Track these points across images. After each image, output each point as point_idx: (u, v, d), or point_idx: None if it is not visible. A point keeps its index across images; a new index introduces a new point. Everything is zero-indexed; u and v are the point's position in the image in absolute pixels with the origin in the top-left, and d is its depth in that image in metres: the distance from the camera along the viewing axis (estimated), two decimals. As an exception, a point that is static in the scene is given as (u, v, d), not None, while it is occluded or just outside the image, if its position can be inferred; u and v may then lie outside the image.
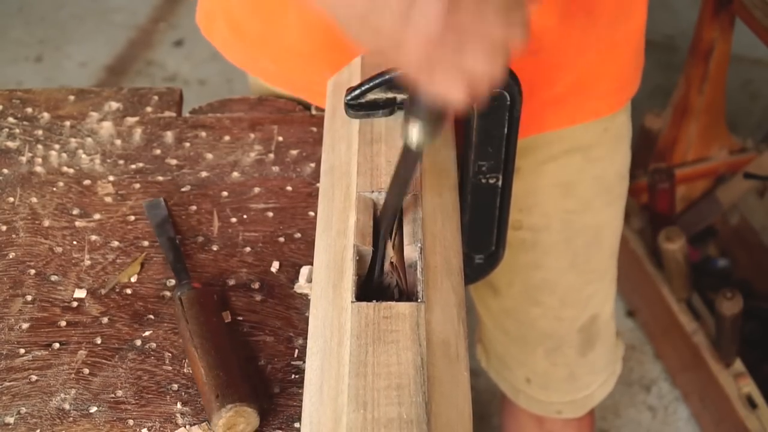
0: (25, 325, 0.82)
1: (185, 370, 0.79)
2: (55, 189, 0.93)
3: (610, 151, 1.06)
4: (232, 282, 0.85)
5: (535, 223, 1.07)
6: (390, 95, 0.80)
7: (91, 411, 0.77)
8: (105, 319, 0.83)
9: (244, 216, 0.91)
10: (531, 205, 1.06)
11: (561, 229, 1.08)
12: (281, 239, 0.88)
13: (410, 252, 0.72)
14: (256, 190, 0.93)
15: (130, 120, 1.00)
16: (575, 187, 1.05)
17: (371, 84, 0.78)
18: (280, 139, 0.97)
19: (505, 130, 0.85)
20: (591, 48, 0.95)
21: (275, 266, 0.86)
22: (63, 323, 0.82)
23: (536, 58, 0.91)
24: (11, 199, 0.93)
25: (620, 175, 1.10)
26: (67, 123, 1.00)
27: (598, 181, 1.07)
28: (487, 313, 1.23)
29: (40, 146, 0.98)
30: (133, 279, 0.86)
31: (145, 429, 0.76)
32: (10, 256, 0.88)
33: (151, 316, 0.83)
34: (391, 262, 0.73)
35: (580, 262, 1.11)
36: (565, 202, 1.06)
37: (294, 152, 0.96)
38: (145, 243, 0.89)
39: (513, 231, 1.04)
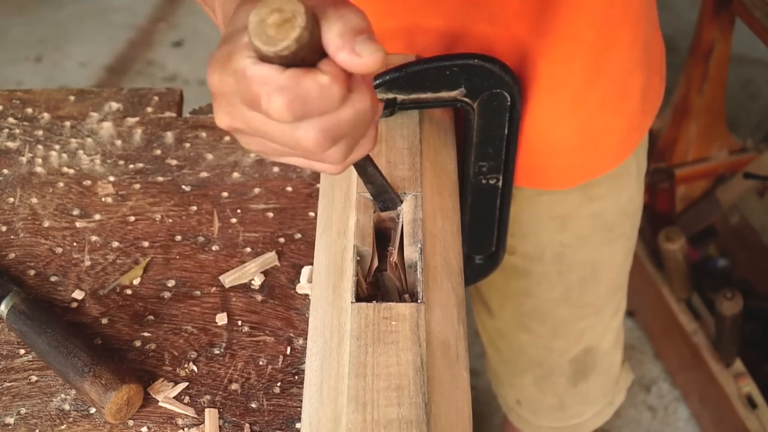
0: (25, 326, 0.82)
1: (183, 372, 0.79)
2: (55, 189, 0.93)
3: (612, 190, 1.01)
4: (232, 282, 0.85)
5: (527, 251, 1.05)
6: (390, 95, 0.80)
7: (91, 411, 0.77)
8: (105, 320, 0.83)
9: (245, 216, 0.91)
10: (525, 233, 1.03)
11: (553, 261, 1.05)
12: (281, 240, 0.88)
13: (410, 252, 0.72)
14: (257, 190, 0.93)
15: (131, 120, 1.00)
16: (571, 221, 1.02)
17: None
18: (280, 139, 0.97)
19: (505, 130, 0.85)
20: (593, 102, 0.92)
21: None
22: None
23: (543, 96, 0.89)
24: (11, 200, 0.93)
25: (624, 213, 1.05)
26: (68, 123, 1.00)
27: (596, 218, 1.02)
28: (482, 331, 1.22)
29: (40, 146, 0.98)
30: (136, 282, 0.86)
31: (145, 429, 0.76)
32: (11, 257, 0.88)
33: (151, 317, 0.83)
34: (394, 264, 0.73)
35: (574, 296, 1.09)
36: (560, 236, 1.03)
37: (294, 153, 0.96)
38: (146, 244, 0.89)
39: (507, 255, 1.02)
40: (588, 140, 0.94)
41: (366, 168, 0.70)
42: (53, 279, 0.86)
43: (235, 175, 0.94)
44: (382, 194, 0.73)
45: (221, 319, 0.83)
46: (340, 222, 0.76)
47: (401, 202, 0.74)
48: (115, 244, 0.89)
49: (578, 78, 0.89)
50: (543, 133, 0.92)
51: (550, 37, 0.85)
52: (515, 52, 0.85)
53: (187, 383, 0.78)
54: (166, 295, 0.85)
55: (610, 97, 0.92)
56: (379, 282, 0.73)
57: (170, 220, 0.91)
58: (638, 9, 0.90)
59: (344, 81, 0.54)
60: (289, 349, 0.81)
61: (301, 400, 0.76)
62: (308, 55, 0.54)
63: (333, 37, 0.53)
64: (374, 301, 0.68)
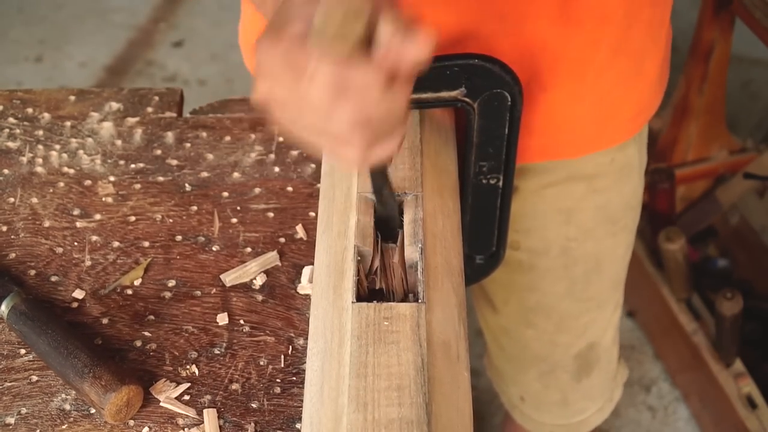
0: (25, 326, 0.82)
1: (184, 372, 0.79)
2: (55, 189, 0.93)
3: (616, 181, 1.02)
4: (233, 282, 0.85)
5: (533, 245, 1.05)
6: (390, 96, 0.80)
7: (91, 411, 0.77)
8: (105, 320, 0.83)
9: (245, 216, 0.91)
10: (529, 228, 1.03)
11: (559, 255, 1.05)
12: (282, 240, 0.88)
13: (411, 252, 0.72)
14: (257, 190, 0.93)
15: (131, 120, 1.00)
16: (576, 214, 1.02)
17: (372, 84, 0.78)
18: (281, 139, 0.97)
19: (506, 130, 0.85)
20: (613, 76, 0.92)
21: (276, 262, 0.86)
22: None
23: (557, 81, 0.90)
24: (12, 200, 0.93)
25: (628, 206, 1.06)
26: (68, 123, 1.00)
27: (601, 211, 1.03)
28: (486, 327, 1.22)
29: (40, 146, 0.98)
30: (137, 282, 0.86)
31: (146, 429, 0.76)
32: (11, 257, 0.88)
33: (152, 317, 0.83)
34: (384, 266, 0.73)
35: (578, 290, 1.09)
36: (565, 229, 1.03)
37: (294, 153, 0.96)
38: (146, 244, 0.89)
39: (511, 251, 1.02)
40: (603, 112, 0.95)
41: (382, 189, 0.71)
42: (54, 279, 0.86)
43: (236, 175, 0.94)
44: (387, 221, 0.74)
45: (222, 319, 0.83)
46: (340, 222, 0.76)
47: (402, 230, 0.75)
48: (116, 244, 0.89)
49: (603, 56, 0.89)
50: (563, 112, 0.92)
51: (578, 23, 0.85)
52: (528, 45, 0.86)
53: (189, 384, 0.78)
54: (167, 295, 0.85)
55: (627, 74, 0.93)
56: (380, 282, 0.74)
57: (171, 220, 0.91)
58: None
59: (388, 72, 0.57)
60: (289, 349, 0.81)
61: (301, 400, 0.76)
62: (361, 48, 0.57)
63: (387, 25, 0.56)
64: (375, 301, 0.68)
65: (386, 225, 0.75)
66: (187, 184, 0.94)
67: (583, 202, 1.02)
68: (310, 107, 0.58)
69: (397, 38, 0.56)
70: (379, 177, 0.70)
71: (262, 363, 0.80)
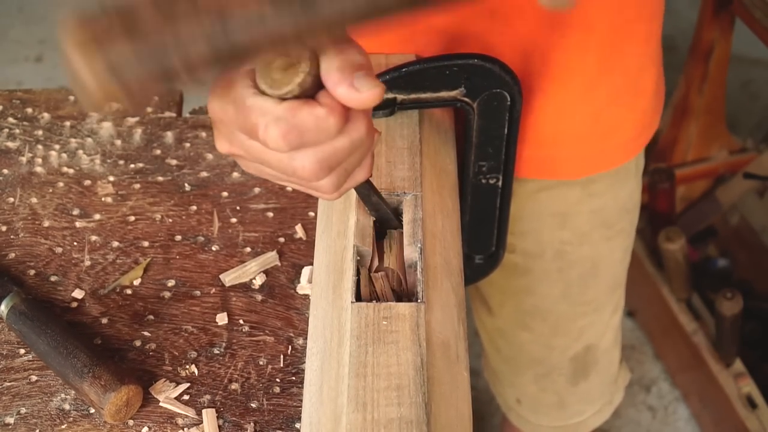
0: (25, 326, 0.82)
1: (184, 372, 0.79)
2: (55, 189, 0.93)
3: (611, 186, 1.02)
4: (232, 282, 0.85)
5: (528, 249, 1.05)
6: (390, 95, 0.80)
7: (91, 411, 0.77)
8: (105, 320, 0.83)
9: (245, 216, 0.91)
10: (525, 231, 1.03)
11: (554, 258, 1.05)
12: (281, 239, 0.88)
13: (410, 252, 0.72)
14: (256, 190, 0.93)
15: (131, 120, 1.00)
16: (571, 218, 1.02)
17: (371, 84, 0.78)
18: (280, 139, 0.97)
19: (505, 130, 0.85)
20: (606, 93, 0.92)
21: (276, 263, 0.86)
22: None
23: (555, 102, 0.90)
24: (11, 200, 0.93)
25: (624, 209, 1.06)
26: (67, 123, 1.00)
27: (597, 215, 1.03)
28: (482, 329, 1.22)
29: (40, 146, 0.98)
30: (137, 282, 0.85)
31: (145, 428, 0.76)
32: (11, 257, 0.88)
33: (151, 317, 0.83)
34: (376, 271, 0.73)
35: (574, 293, 1.09)
36: (560, 233, 1.03)
37: (294, 152, 0.96)
38: (146, 243, 0.89)
39: (507, 253, 1.02)
40: (598, 131, 0.95)
41: (370, 197, 0.71)
42: (53, 279, 0.86)
43: (235, 174, 0.94)
44: (385, 222, 0.74)
45: (221, 318, 0.83)
46: (340, 222, 0.76)
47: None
48: (115, 243, 0.89)
49: (591, 67, 0.89)
50: (554, 122, 0.92)
51: (562, 28, 0.85)
52: (519, 46, 0.86)
53: (188, 383, 0.78)
54: (166, 294, 0.85)
55: (623, 91, 0.93)
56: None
57: (170, 220, 0.91)
58: (653, 7, 0.91)
59: (341, 113, 0.56)
60: (289, 348, 0.81)
61: (301, 400, 0.76)
62: (308, 93, 0.55)
63: (332, 71, 0.55)
64: (374, 301, 0.68)
65: (383, 224, 0.75)
66: (186, 184, 0.94)
67: (578, 206, 1.01)
68: (270, 161, 0.58)
69: (343, 83, 0.54)
70: (363, 188, 0.69)
71: (261, 363, 0.80)
